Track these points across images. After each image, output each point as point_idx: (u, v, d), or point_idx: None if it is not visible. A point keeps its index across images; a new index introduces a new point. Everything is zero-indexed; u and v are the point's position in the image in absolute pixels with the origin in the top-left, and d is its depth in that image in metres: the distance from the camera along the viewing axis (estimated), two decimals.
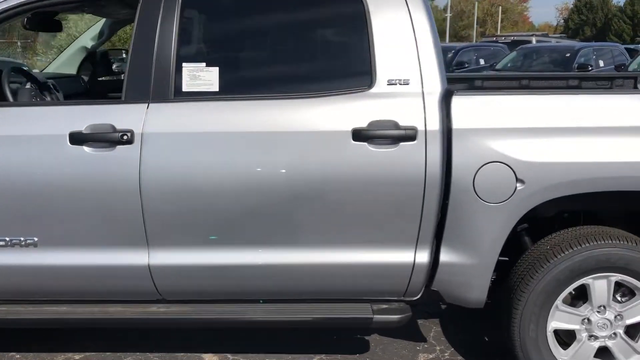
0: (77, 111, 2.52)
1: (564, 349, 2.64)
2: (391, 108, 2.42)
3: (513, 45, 15.83)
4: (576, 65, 12.01)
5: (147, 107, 2.43)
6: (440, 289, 2.63)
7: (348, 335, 3.23)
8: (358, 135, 2.39)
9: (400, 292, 2.60)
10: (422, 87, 2.43)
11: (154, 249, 2.52)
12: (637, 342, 2.60)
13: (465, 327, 3.36)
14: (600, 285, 2.54)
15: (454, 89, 2.58)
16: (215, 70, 2.46)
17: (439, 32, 3.26)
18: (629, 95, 2.54)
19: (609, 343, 2.60)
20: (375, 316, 2.57)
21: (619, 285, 2.58)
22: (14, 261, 2.52)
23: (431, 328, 3.37)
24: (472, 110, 2.44)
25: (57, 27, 3.36)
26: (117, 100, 2.58)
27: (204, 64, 2.46)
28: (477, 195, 2.44)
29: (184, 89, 2.45)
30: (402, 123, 2.40)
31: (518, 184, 2.42)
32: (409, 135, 2.39)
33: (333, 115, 2.43)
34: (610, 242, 2.49)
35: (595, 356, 2.64)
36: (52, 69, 4.16)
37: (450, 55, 14.79)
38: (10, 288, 2.60)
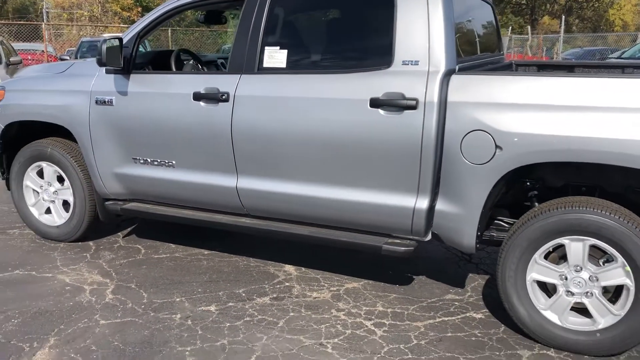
0: (199, 78, 3.74)
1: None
2: (401, 83, 3.10)
3: None
4: None
5: (240, 77, 3.53)
6: (439, 232, 3.24)
7: (399, 272, 3.95)
8: (374, 102, 3.14)
9: (407, 230, 3.28)
10: (429, 67, 3.07)
11: (241, 176, 3.63)
12: (615, 304, 2.87)
13: None
14: (575, 247, 2.88)
15: (463, 69, 3.15)
16: (284, 52, 3.44)
17: None
18: (589, 78, 2.81)
19: (585, 300, 2.92)
20: (384, 245, 3.30)
21: (603, 252, 2.87)
22: (161, 175, 3.88)
23: (476, 280, 3.89)
24: (464, 87, 2.99)
25: (222, 21, 4.67)
26: (223, 71, 3.73)
27: (278, 47, 3.45)
28: (464, 157, 3.00)
29: (264, 65, 3.48)
30: (407, 95, 3.07)
31: (497, 150, 2.91)
32: (411, 105, 3.05)
33: (358, 86, 3.21)
34: (584, 209, 2.82)
35: (580, 313, 2.99)
36: None
37: None
38: (159, 193, 3.98)
